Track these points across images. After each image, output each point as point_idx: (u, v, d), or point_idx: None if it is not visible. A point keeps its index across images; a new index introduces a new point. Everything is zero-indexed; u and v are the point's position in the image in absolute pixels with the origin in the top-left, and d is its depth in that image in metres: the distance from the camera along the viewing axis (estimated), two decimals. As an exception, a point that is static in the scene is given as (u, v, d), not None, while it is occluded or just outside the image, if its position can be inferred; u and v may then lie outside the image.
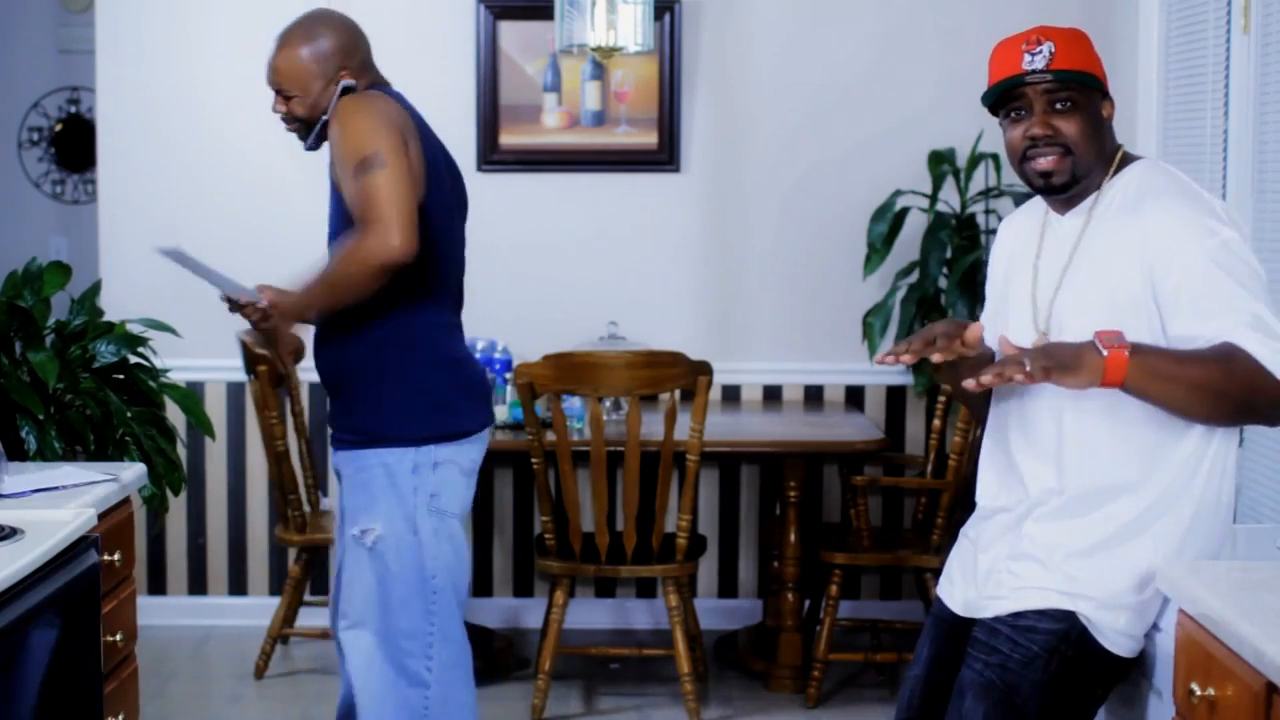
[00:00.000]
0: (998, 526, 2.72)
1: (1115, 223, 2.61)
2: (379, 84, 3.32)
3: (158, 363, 3.84)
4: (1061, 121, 2.61)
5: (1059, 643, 2.59)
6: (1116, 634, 2.59)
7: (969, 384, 2.49)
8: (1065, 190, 2.65)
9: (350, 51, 3.25)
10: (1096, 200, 2.65)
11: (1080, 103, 2.61)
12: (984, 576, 2.70)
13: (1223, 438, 2.60)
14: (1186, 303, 2.51)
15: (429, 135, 3.26)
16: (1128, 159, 2.69)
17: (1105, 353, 2.45)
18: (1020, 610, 2.61)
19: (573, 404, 4.67)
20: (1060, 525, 2.62)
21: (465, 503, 3.31)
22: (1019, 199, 4.76)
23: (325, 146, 3.27)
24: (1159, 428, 2.58)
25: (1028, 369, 2.45)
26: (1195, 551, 2.59)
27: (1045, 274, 2.69)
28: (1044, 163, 2.62)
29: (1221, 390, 2.46)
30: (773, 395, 5.39)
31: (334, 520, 3.70)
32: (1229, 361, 2.46)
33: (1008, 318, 2.74)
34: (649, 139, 5.31)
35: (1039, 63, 2.59)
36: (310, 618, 5.07)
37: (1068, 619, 2.59)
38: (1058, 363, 2.46)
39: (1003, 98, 2.65)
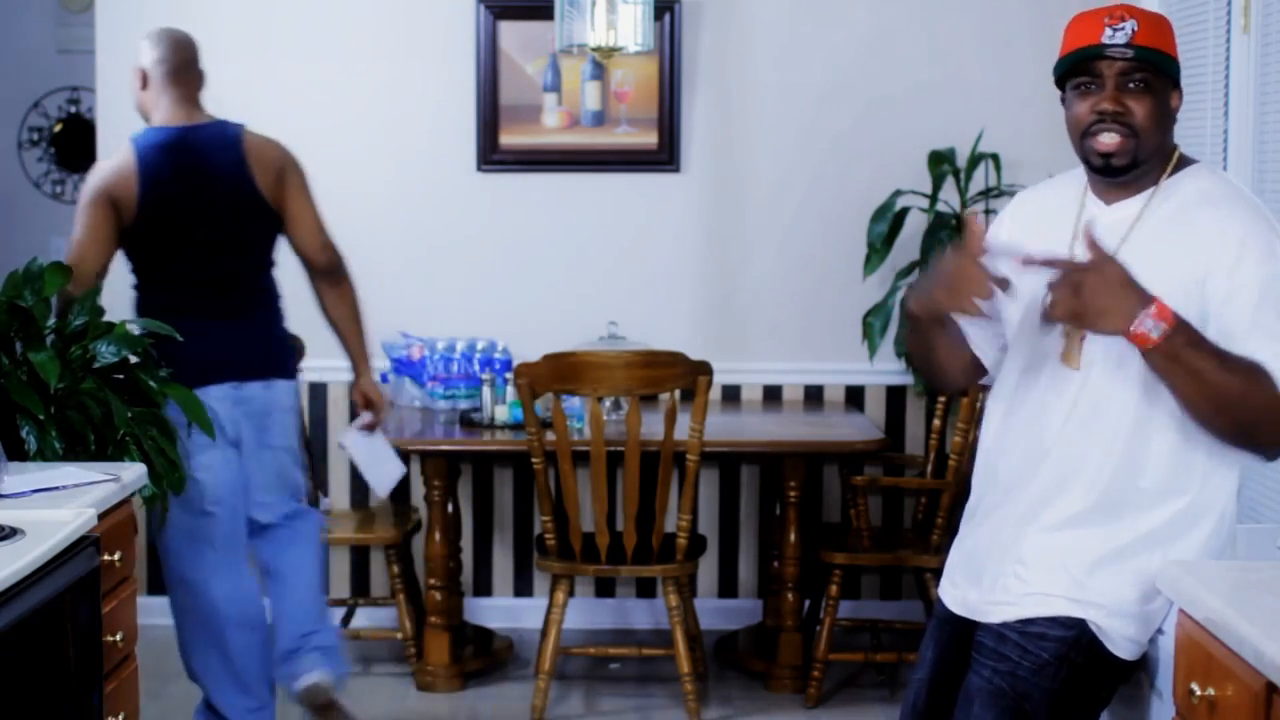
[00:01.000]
0: (1003, 527, 2.66)
1: (1171, 223, 2.55)
2: (171, 114, 4.03)
3: (158, 363, 3.83)
4: (1132, 100, 2.54)
5: (1069, 650, 2.55)
6: (1125, 640, 2.57)
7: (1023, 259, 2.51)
8: (1124, 173, 2.58)
9: (149, 76, 4.03)
10: (1153, 195, 2.59)
11: (1153, 85, 2.55)
12: (990, 580, 2.65)
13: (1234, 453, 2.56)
14: (1232, 316, 2.46)
15: (158, 176, 3.95)
16: (1185, 160, 2.63)
17: (1147, 314, 2.39)
18: (1029, 617, 2.58)
19: (573, 404, 4.67)
20: (1073, 531, 2.58)
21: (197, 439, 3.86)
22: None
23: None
24: (1183, 439, 2.53)
25: (1054, 311, 2.45)
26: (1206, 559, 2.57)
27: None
28: (1107, 141, 2.55)
29: (1230, 402, 2.41)
30: (773, 395, 5.39)
31: None
32: (1251, 379, 2.42)
33: (1019, 298, 2.63)
34: (649, 139, 5.30)
35: (1120, 38, 2.52)
36: (310, 618, 5.06)
37: (1078, 626, 2.55)
38: (1092, 307, 2.41)
39: (1073, 70, 2.58)
